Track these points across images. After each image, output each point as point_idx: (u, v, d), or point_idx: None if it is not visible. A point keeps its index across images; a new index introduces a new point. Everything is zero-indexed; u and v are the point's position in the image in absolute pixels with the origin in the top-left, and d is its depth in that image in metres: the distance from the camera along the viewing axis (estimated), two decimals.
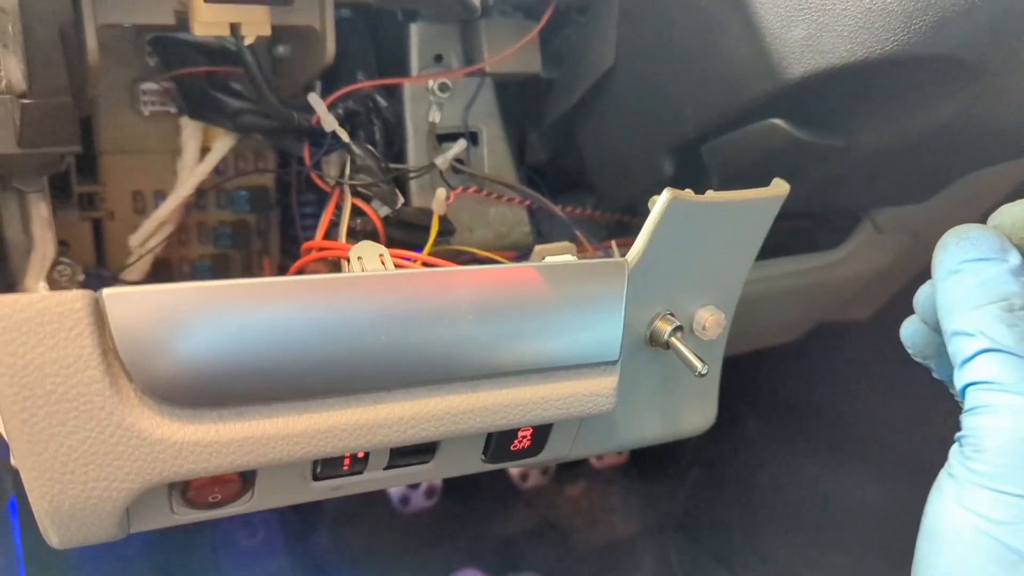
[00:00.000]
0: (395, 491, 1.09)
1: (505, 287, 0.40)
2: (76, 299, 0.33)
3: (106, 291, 0.34)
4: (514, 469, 1.16)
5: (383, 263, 0.45)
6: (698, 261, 0.49)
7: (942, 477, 0.35)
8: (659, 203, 0.45)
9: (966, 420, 0.35)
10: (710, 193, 0.47)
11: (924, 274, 0.44)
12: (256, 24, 0.53)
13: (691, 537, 1.14)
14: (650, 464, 1.21)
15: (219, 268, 0.66)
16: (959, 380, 0.36)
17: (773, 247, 0.69)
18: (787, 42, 0.49)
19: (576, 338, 0.42)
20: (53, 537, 0.36)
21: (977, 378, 0.35)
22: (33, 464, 0.34)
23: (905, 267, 0.83)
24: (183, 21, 0.53)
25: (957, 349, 0.36)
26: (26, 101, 0.46)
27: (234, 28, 0.53)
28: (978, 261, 0.37)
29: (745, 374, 0.90)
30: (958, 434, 0.35)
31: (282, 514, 1.03)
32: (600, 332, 0.43)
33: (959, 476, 0.34)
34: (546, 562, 1.11)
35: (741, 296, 0.53)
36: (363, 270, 0.45)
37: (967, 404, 0.35)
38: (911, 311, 0.44)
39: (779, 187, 0.50)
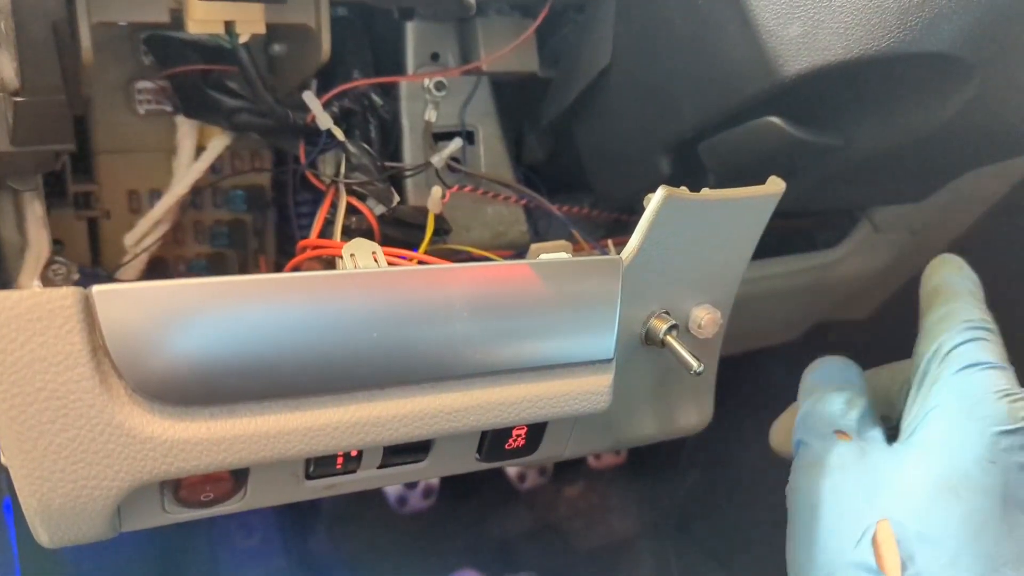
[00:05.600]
0: (392, 491, 1.09)
1: (499, 284, 0.40)
2: (66, 296, 0.33)
3: (96, 288, 0.33)
4: (512, 469, 1.16)
5: (376, 260, 0.45)
6: (694, 259, 0.48)
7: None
8: (654, 201, 0.45)
9: None
10: (706, 191, 0.47)
11: (922, 273, 0.47)
12: (251, 22, 0.53)
13: (689, 537, 1.14)
14: (648, 465, 1.21)
15: (215, 267, 0.66)
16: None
17: (771, 246, 0.69)
18: (783, 39, 0.49)
19: (570, 336, 0.42)
20: (43, 536, 0.36)
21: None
22: (22, 462, 0.33)
23: (903, 266, 0.83)
24: (178, 19, 0.53)
25: None
26: (19, 99, 0.46)
27: (229, 26, 0.52)
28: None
29: (743, 374, 0.90)
30: None
31: (279, 515, 1.02)
32: (594, 330, 0.43)
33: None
34: (544, 563, 1.11)
35: (739, 296, 0.53)
36: (356, 267, 0.45)
37: None
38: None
39: (775, 185, 0.50)
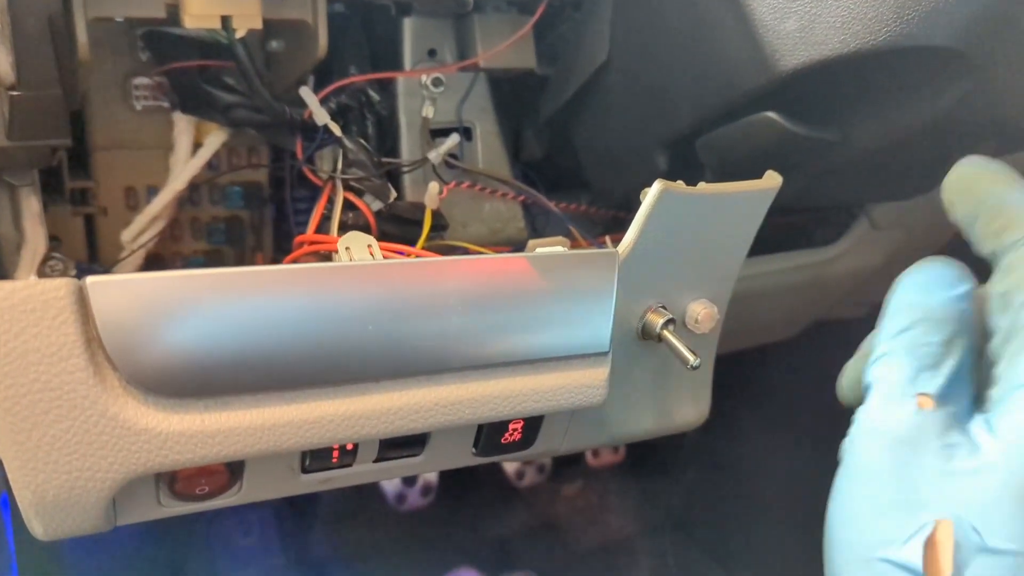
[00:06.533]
0: (391, 489, 1.09)
1: (494, 277, 0.40)
2: (60, 287, 0.33)
3: (90, 279, 0.33)
4: (510, 467, 1.16)
5: (372, 253, 0.45)
6: (690, 254, 0.48)
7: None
8: (650, 195, 0.45)
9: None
10: (702, 185, 0.47)
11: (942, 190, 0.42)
12: (247, 17, 0.53)
13: (688, 535, 1.14)
14: (647, 462, 1.21)
15: (212, 264, 0.66)
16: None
17: (769, 243, 0.69)
18: (780, 34, 0.49)
19: (566, 329, 0.42)
20: (37, 528, 0.36)
21: None
22: (16, 453, 0.33)
23: (901, 264, 0.82)
24: (174, 15, 0.53)
25: None
26: (15, 93, 0.46)
27: (225, 21, 0.52)
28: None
29: (742, 372, 0.90)
30: None
31: (278, 512, 1.02)
32: (590, 323, 0.43)
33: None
34: (542, 561, 1.11)
35: (737, 293, 0.53)
36: (352, 260, 0.45)
37: None
38: None
39: (772, 179, 0.50)
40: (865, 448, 0.35)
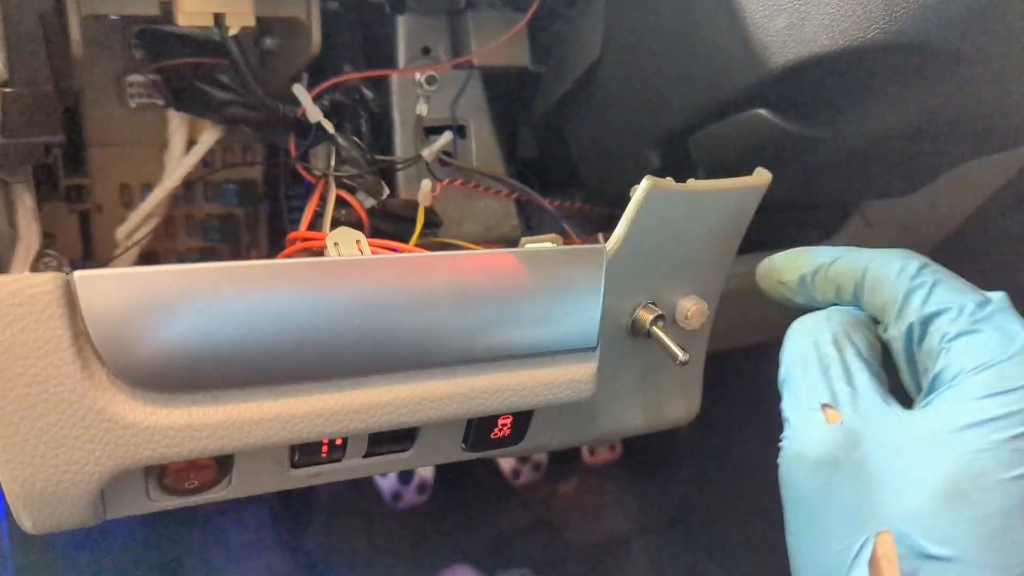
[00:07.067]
0: (387, 487, 1.09)
1: (482, 272, 0.40)
2: (47, 281, 0.33)
3: (77, 273, 0.34)
4: (506, 465, 1.16)
5: (360, 249, 0.45)
6: (680, 250, 0.48)
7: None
8: (639, 191, 0.45)
9: None
10: (691, 181, 0.47)
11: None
12: (240, 15, 0.53)
13: (684, 533, 1.14)
14: (643, 460, 1.21)
15: (207, 261, 0.66)
16: None
17: (763, 241, 0.69)
18: (770, 31, 0.49)
19: (554, 325, 0.42)
20: (26, 521, 0.36)
21: None
22: (3, 447, 0.34)
23: None
24: (168, 12, 0.53)
25: None
26: (7, 90, 0.46)
27: (218, 19, 0.53)
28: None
29: (736, 370, 0.90)
30: None
31: (273, 510, 1.03)
32: (578, 319, 0.43)
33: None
34: (538, 558, 1.11)
35: (730, 291, 0.53)
36: (340, 255, 0.45)
37: None
38: None
39: (761, 176, 0.50)
40: (792, 476, 0.36)
